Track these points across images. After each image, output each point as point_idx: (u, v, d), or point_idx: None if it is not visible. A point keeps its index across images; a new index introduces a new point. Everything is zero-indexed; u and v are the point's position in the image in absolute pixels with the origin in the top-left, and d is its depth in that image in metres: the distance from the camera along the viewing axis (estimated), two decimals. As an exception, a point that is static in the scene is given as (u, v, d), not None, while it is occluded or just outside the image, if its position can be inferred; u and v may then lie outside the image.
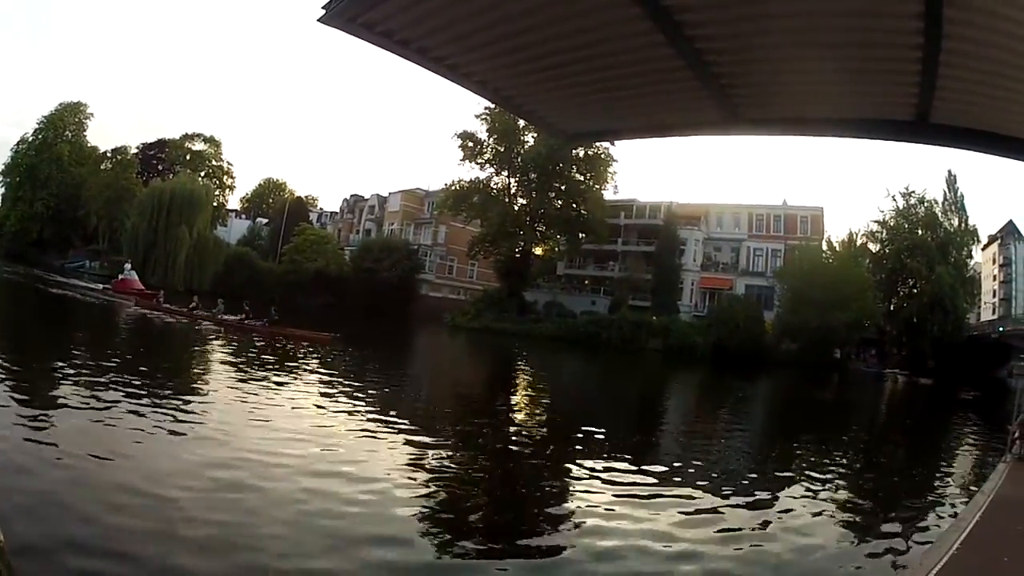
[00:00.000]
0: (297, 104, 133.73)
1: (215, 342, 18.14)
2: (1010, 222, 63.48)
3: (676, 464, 9.32)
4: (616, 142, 38.87)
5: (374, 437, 8.35)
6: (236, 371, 13.11)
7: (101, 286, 30.95)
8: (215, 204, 54.68)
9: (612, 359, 35.48)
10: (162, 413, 7.81)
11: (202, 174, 56.85)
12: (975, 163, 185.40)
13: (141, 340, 17.70)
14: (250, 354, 15.86)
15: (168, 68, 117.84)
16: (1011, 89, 3.22)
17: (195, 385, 10.99)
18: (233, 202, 70.88)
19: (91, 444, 6.04)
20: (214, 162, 59.71)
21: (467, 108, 67.31)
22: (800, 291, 40.54)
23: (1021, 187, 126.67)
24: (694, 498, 7.44)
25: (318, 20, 2.66)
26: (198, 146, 59.69)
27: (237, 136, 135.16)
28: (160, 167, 59.30)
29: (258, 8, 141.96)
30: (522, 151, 43.24)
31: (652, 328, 40.81)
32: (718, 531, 6.34)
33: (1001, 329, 50.20)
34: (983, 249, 59.19)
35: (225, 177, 60.05)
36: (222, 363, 14.57)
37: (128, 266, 33.36)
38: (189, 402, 8.84)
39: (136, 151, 59.69)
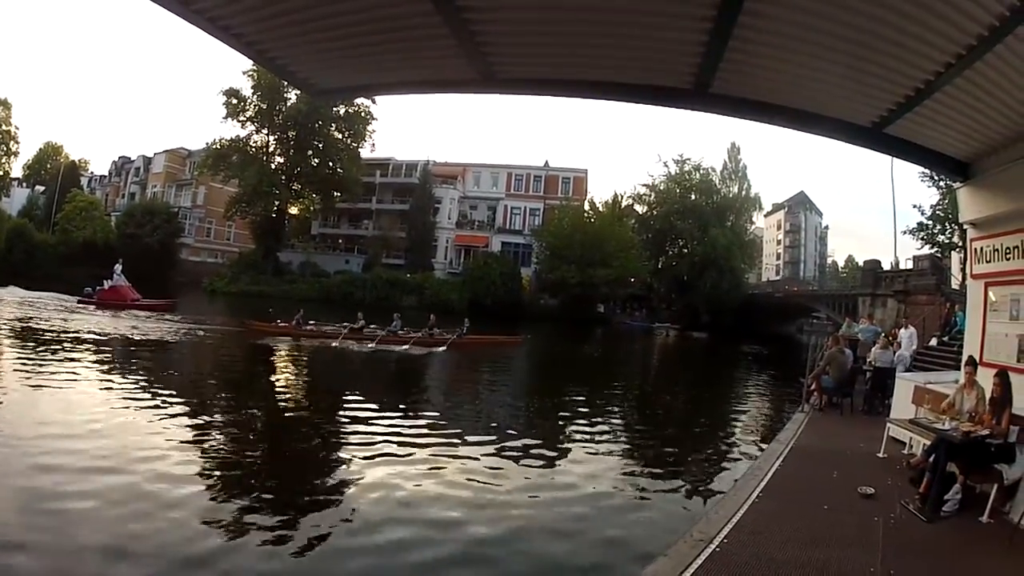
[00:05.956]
0: (75, 58, 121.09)
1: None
2: (801, 192, 69.49)
3: (438, 419, 8.93)
4: (373, 99, 40.03)
5: (138, 411, 8.05)
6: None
7: (76, 299, 22.41)
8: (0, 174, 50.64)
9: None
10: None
11: (-9, 141, 52.42)
12: (784, 139, 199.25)
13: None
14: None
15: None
16: (795, 63, 3.47)
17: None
18: (17, 169, 64.08)
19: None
20: (3, 127, 55.08)
21: (240, 64, 63.65)
22: (559, 249, 41.91)
23: (817, 162, 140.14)
24: (462, 456, 7.05)
25: None
26: (-7, 110, 54.88)
27: (23, 95, 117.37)
28: (-37, 137, 54.10)
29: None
30: (284, 108, 42.39)
31: (407, 286, 41.32)
32: (489, 490, 5.90)
33: (786, 288, 54.29)
34: (766, 216, 64.38)
35: (11, 143, 55.44)
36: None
37: (119, 268, 23.77)
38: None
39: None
